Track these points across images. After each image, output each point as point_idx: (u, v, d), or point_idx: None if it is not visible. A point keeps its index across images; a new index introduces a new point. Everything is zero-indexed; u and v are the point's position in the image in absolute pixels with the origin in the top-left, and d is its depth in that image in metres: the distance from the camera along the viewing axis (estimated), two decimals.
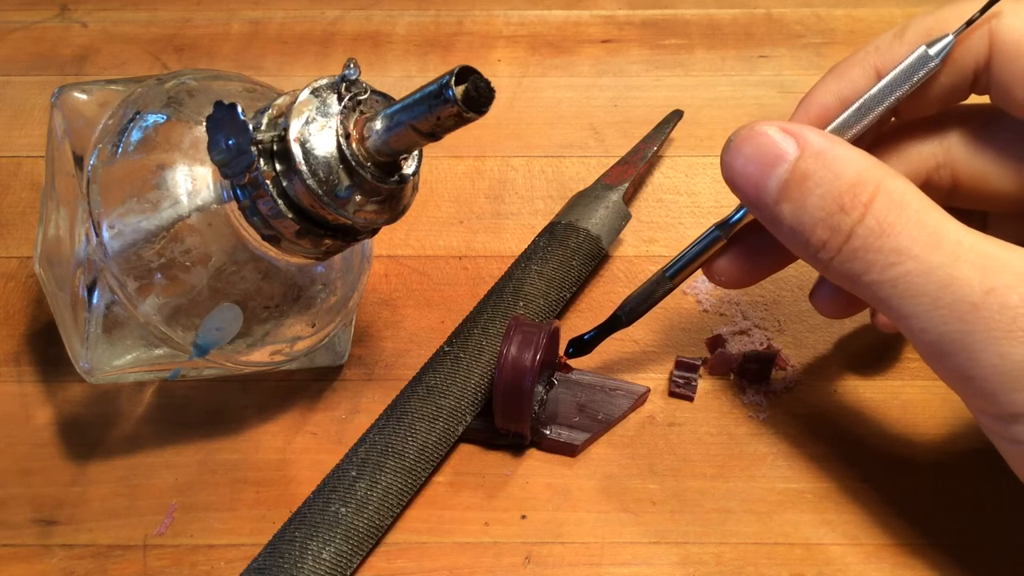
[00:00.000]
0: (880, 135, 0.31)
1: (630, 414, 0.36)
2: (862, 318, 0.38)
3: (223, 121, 0.27)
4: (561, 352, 0.36)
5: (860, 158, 0.27)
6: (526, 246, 0.39)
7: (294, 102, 0.27)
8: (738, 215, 0.31)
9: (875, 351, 0.37)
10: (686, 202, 0.43)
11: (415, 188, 0.30)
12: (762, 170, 0.27)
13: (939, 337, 0.25)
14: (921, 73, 0.28)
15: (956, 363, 0.26)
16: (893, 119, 0.31)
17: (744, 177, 0.28)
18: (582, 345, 0.35)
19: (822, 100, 0.30)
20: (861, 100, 0.29)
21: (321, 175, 0.27)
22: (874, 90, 0.28)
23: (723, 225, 0.31)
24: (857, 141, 0.29)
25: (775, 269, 0.33)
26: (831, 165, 0.26)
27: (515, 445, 0.35)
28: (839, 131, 0.29)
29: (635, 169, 0.41)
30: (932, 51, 0.28)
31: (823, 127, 0.29)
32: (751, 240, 0.31)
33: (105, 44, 0.50)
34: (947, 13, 0.28)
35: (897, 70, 0.28)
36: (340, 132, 0.27)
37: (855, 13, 0.51)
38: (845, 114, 0.29)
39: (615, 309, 0.34)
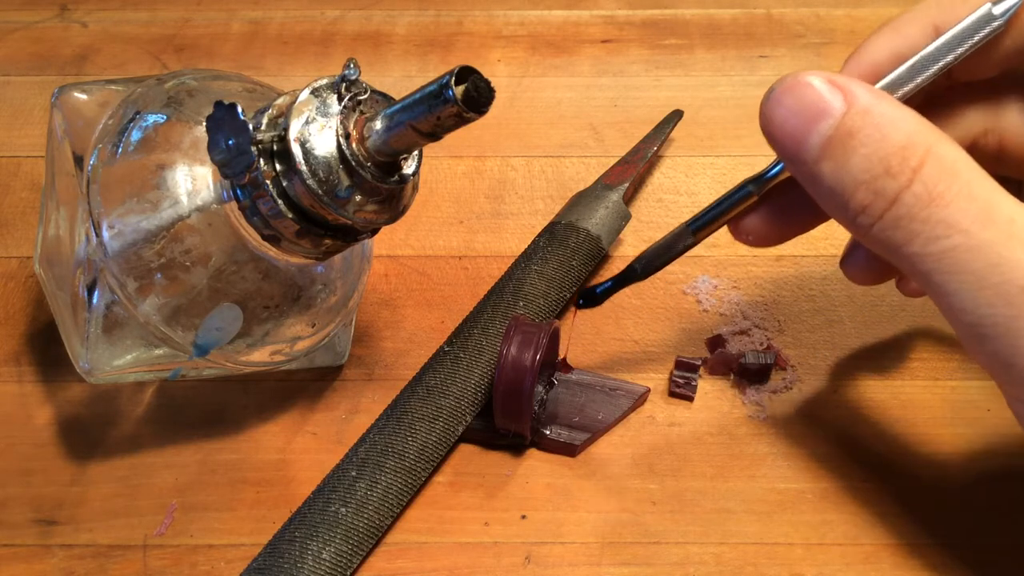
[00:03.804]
0: (929, 94, 0.29)
1: (630, 414, 0.36)
2: (862, 317, 0.38)
3: (223, 121, 0.27)
4: (573, 307, 0.33)
5: (911, 119, 0.25)
6: (526, 246, 0.39)
7: (294, 102, 0.27)
8: (774, 170, 0.29)
9: (875, 351, 0.38)
10: (686, 202, 0.43)
11: (415, 188, 0.30)
12: (804, 124, 0.25)
13: (980, 319, 0.24)
14: (983, 33, 0.26)
15: (997, 348, 0.24)
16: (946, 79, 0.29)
17: (784, 131, 0.26)
18: (593, 296, 0.33)
19: (874, 54, 0.28)
20: (916, 58, 0.26)
21: (321, 175, 0.27)
22: (930, 48, 0.26)
23: (757, 180, 0.29)
24: (906, 102, 0.26)
25: (806, 229, 0.31)
26: (879, 124, 0.24)
27: (515, 445, 0.35)
28: (889, 89, 0.27)
29: (635, 169, 0.41)
30: (997, 10, 0.26)
31: (873, 83, 0.27)
32: (783, 197, 0.29)
33: (105, 44, 0.50)
34: None
35: (957, 28, 0.26)
36: (340, 132, 0.27)
37: (855, 13, 0.51)
38: (897, 71, 0.27)
39: (632, 261, 0.32)
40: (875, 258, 0.30)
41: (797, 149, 0.26)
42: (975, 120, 0.29)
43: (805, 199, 0.27)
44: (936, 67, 0.26)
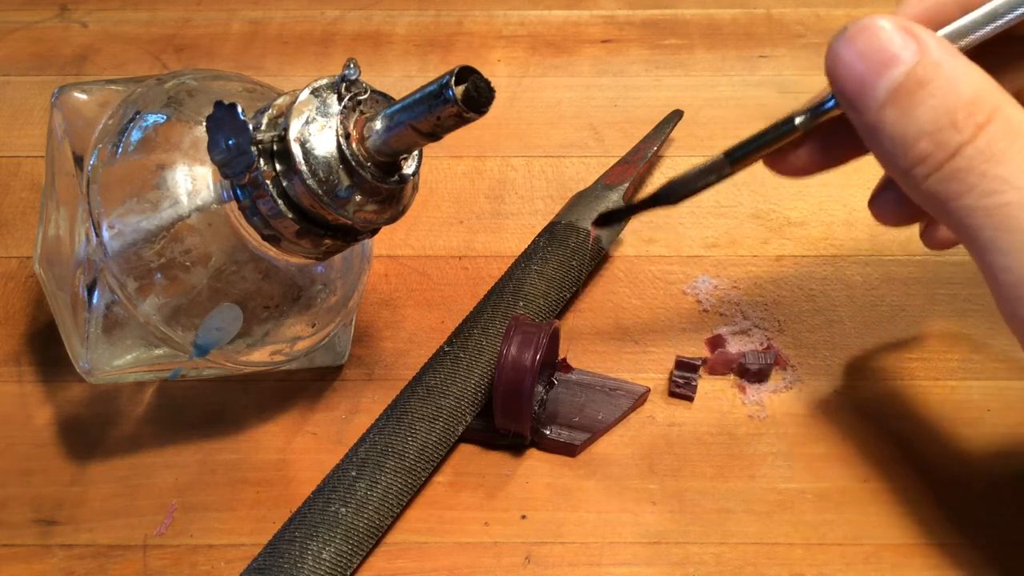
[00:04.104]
0: (982, 44, 0.28)
1: (630, 414, 0.36)
2: (862, 317, 0.38)
3: (223, 121, 0.27)
4: (592, 226, 0.32)
5: (979, 77, 0.25)
6: (526, 246, 0.39)
7: (294, 102, 0.27)
8: (826, 105, 0.28)
9: (875, 351, 0.37)
10: (686, 202, 0.43)
11: (415, 188, 0.30)
12: (874, 69, 0.25)
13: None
14: None
15: None
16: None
17: (851, 73, 0.25)
18: (610, 215, 0.32)
19: None
20: (989, 7, 0.26)
21: (321, 175, 0.27)
22: (999, 1, 0.26)
23: (814, 111, 0.28)
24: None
25: (841, 163, 0.30)
26: (950, 78, 0.24)
27: (515, 445, 0.35)
28: (951, 38, 0.26)
29: (635, 169, 0.41)
30: None
31: (934, 28, 0.26)
32: (826, 134, 0.29)
33: (105, 44, 0.50)
34: None
35: None
36: (340, 132, 0.27)
37: (855, 13, 0.51)
38: (965, 20, 0.26)
39: (661, 185, 0.31)
40: (906, 200, 0.30)
41: (862, 93, 0.25)
42: (1020, 73, 0.29)
43: (847, 135, 0.27)
44: (1006, 19, 0.26)
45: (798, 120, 0.28)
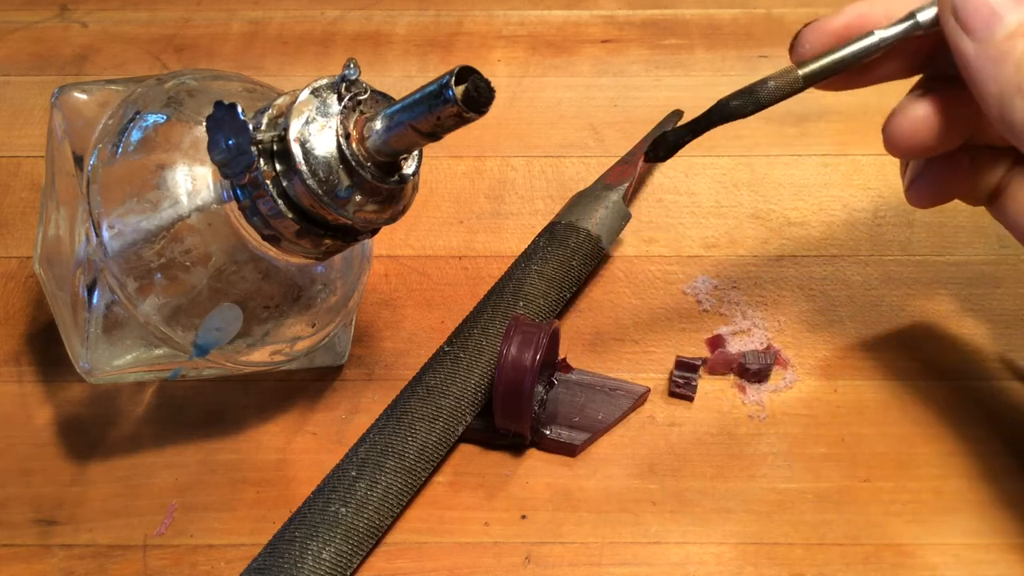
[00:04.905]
0: None
1: (630, 414, 0.36)
2: (862, 317, 0.38)
3: (223, 121, 0.27)
4: (641, 158, 0.31)
5: None
6: (526, 246, 0.39)
7: (294, 102, 0.27)
8: (921, 18, 0.27)
9: (875, 351, 0.38)
10: (686, 202, 0.43)
11: (415, 188, 0.30)
12: (1006, 4, 0.26)
13: None
14: None
15: None
16: None
17: (983, 4, 0.26)
18: (666, 144, 0.30)
19: None
20: None
21: (321, 175, 0.27)
22: None
23: (906, 27, 0.27)
24: None
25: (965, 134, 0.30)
26: None
27: (515, 445, 0.35)
28: None
29: (635, 169, 0.41)
30: None
31: None
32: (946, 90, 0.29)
33: (105, 44, 0.50)
34: None
35: None
36: (340, 132, 0.27)
37: None
38: None
39: (719, 100, 0.29)
40: (941, 182, 0.31)
41: (990, 24, 0.26)
42: None
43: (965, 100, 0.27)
44: None
45: (880, 36, 0.27)
